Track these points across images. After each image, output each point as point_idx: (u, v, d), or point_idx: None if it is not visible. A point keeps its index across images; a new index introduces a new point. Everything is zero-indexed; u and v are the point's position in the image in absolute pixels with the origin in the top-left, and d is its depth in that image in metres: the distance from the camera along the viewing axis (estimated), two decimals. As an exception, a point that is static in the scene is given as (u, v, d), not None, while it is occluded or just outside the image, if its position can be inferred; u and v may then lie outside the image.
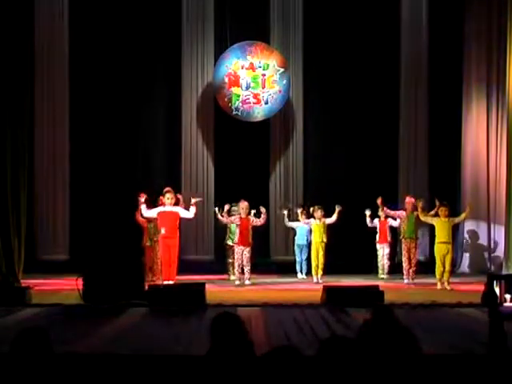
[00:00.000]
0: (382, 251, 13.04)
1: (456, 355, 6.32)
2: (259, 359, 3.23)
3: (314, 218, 12.63)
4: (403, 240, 12.35)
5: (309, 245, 12.91)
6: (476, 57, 14.19)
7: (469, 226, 14.25)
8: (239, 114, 14.19)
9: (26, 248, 11.50)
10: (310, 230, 12.88)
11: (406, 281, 12.16)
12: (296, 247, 13.27)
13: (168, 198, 11.56)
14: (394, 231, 13.26)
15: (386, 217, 12.94)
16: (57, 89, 14.26)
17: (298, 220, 13.04)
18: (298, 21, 14.51)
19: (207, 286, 9.70)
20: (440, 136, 14.46)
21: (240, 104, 14.16)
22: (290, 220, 13.39)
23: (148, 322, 8.18)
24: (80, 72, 14.22)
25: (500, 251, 13.63)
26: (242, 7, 14.33)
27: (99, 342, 6.81)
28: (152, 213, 11.66)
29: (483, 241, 14.17)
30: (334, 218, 12.60)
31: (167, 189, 11.72)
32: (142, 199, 11.62)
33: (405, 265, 12.24)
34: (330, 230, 12.69)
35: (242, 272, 11.95)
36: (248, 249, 11.96)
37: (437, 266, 11.56)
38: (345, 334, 6.52)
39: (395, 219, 12.89)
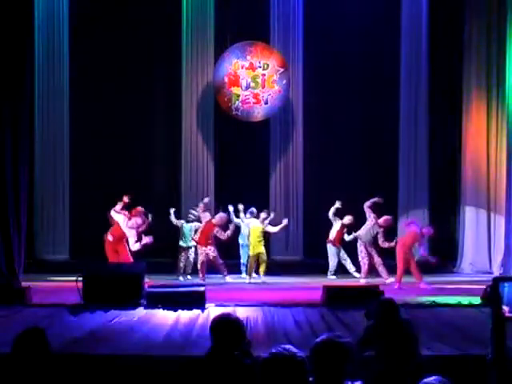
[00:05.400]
0: (340, 252, 12.91)
1: (456, 355, 6.33)
2: (258, 363, 3.25)
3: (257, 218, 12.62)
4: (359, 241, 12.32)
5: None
6: (476, 57, 14.18)
7: (469, 226, 14.24)
8: (239, 113, 14.18)
9: (26, 248, 11.50)
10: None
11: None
12: (241, 247, 13.06)
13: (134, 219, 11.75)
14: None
15: (343, 226, 12.76)
16: (57, 88, 14.25)
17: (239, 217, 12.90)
18: (298, 21, 14.50)
19: (207, 286, 9.72)
20: (440, 136, 14.46)
21: (240, 104, 14.16)
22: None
23: (147, 322, 8.17)
24: (80, 71, 14.22)
25: (500, 251, 13.63)
26: (241, 7, 14.31)
27: (99, 342, 6.82)
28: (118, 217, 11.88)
29: (483, 241, 14.15)
30: (277, 229, 12.75)
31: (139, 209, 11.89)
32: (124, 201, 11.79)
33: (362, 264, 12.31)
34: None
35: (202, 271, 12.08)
36: (212, 247, 12.07)
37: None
38: (344, 333, 6.53)
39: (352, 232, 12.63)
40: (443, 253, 13.49)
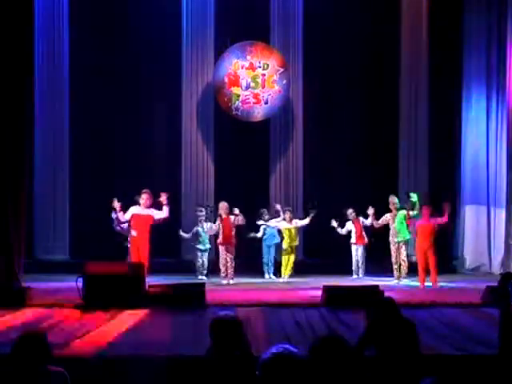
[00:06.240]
0: (357, 252, 12.97)
1: (456, 355, 6.33)
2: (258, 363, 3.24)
3: (285, 220, 12.64)
4: (391, 241, 12.27)
5: (278, 244, 12.86)
6: (476, 56, 14.19)
7: (469, 225, 14.25)
8: (239, 113, 14.18)
9: (25, 248, 11.49)
10: (279, 230, 12.84)
11: (394, 281, 12.13)
12: (265, 247, 12.99)
13: (142, 198, 11.68)
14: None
15: (357, 216, 12.84)
16: (56, 88, 14.25)
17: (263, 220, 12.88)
18: (298, 21, 14.51)
19: (207, 286, 9.72)
20: (440, 135, 14.46)
21: (240, 104, 14.15)
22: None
23: (148, 323, 8.17)
24: (80, 71, 14.22)
25: (500, 250, 13.64)
26: (242, 7, 14.31)
27: (99, 343, 6.81)
28: (128, 215, 11.85)
29: (483, 240, 14.15)
30: (307, 221, 12.66)
31: (144, 190, 11.86)
32: (117, 206, 11.75)
33: (395, 266, 12.25)
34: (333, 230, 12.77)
35: (226, 271, 12.08)
36: (231, 248, 12.09)
37: None
38: (344, 333, 6.52)
39: (369, 222, 12.65)
40: (443, 252, 13.47)
